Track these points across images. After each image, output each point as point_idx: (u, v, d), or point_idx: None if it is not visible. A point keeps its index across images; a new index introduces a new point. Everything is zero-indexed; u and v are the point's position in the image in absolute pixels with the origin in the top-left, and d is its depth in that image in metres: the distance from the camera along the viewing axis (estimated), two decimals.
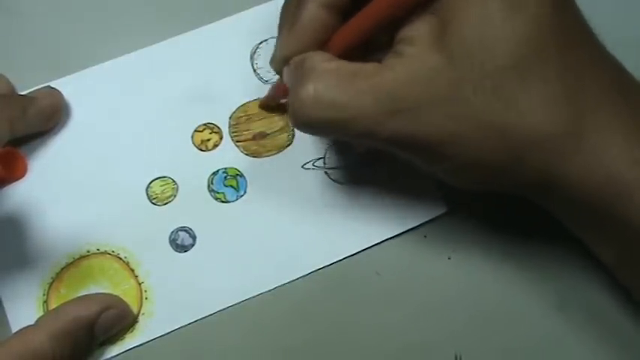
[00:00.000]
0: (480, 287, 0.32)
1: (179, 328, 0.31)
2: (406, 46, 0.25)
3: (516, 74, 0.24)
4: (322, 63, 0.26)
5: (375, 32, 0.26)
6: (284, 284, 0.32)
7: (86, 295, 0.31)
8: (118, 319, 0.30)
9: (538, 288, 0.32)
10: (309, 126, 0.26)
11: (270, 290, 0.32)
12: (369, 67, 0.25)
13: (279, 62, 0.29)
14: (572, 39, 0.25)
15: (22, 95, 0.33)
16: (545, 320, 0.31)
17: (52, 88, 0.33)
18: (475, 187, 0.27)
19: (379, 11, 0.25)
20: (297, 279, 0.32)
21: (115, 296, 0.31)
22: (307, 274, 0.32)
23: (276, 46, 0.29)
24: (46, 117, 0.33)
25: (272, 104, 0.34)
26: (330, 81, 0.25)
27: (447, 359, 0.31)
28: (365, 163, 0.33)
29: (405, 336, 0.31)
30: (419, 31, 0.25)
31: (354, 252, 0.32)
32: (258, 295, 0.31)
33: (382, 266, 0.32)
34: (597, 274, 0.31)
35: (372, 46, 0.27)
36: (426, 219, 0.32)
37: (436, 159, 0.26)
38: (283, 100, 0.33)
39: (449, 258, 0.32)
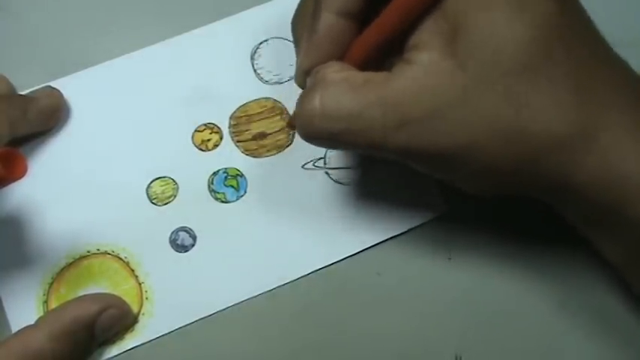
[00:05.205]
0: (480, 287, 0.32)
1: (179, 328, 0.31)
2: (416, 54, 0.24)
3: (526, 77, 0.23)
4: (332, 73, 0.25)
5: (390, 41, 0.25)
6: (284, 284, 0.32)
7: (86, 295, 0.31)
8: (117, 319, 0.30)
9: (539, 288, 0.32)
10: (315, 138, 0.26)
11: (270, 290, 0.32)
12: (379, 76, 0.25)
13: (301, 77, 0.28)
14: (578, 39, 0.24)
15: (22, 95, 0.33)
16: (546, 320, 0.31)
17: (52, 88, 0.33)
18: (489, 193, 0.27)
19: (393, 20, 0.25)
20: (297, 279, 0.32)
21: (115, 296, 0.31)
22: (307, 274, 0.32)
23: (297, 61, 0.28)
24: (46, 117, 0.33)
25: None
26: (337, 91, 0.25)
27: None
28: (365, 162, 0.33)
29: (406, 336, 0.31)
30: (428, 37, 0.24)
31: (354, 252, 0.32)
32: (258, 295, 0.31)
33: (382, 266, 0.32)
34: (599, 273, 0.31)
35: (387, 53, 0.26)
36: (426, 219, 0.32)
37: (449, 168, 0.25)
38: None
39: (449, 258, 0.32)
